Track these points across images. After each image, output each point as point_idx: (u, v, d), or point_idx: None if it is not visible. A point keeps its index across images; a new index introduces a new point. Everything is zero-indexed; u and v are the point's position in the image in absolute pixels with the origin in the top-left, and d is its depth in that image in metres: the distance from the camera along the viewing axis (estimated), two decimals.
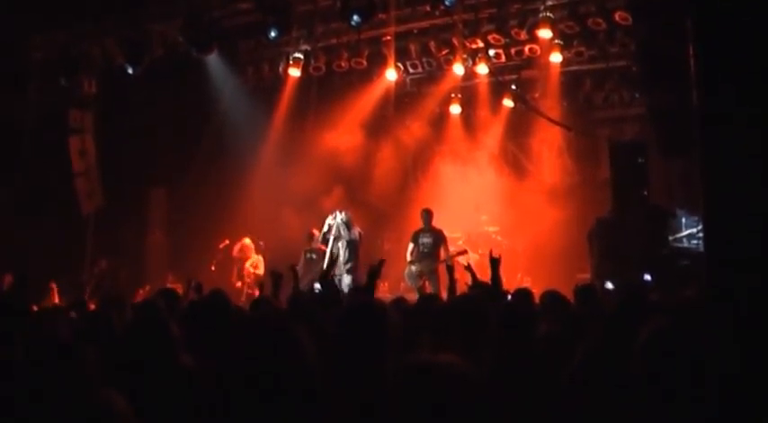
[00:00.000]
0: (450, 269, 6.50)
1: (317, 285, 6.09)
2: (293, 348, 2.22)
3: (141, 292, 12.22)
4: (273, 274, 6.46)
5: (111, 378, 2.72)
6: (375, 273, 5.32)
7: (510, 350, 3.31)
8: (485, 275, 6.20)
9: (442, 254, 11.27)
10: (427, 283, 11.23)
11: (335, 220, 11.33)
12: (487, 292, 5.12)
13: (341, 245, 11.26)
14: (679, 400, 2.10)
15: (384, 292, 12.78)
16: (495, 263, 5.70)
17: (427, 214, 11.51)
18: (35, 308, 7.25)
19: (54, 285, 10.55)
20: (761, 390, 2.13)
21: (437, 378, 1.77)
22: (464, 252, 11.18)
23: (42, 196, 12.34)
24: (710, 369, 2.11)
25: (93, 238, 13.30)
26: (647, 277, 8.75)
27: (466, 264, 7.01)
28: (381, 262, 5.66)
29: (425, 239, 11.40)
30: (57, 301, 10.26)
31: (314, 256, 11.87)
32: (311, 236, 12.03)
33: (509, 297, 5.43)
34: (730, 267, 3.01)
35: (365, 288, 5.39)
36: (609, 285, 9.06)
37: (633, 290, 5.45)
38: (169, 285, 10.60)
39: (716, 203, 3.16)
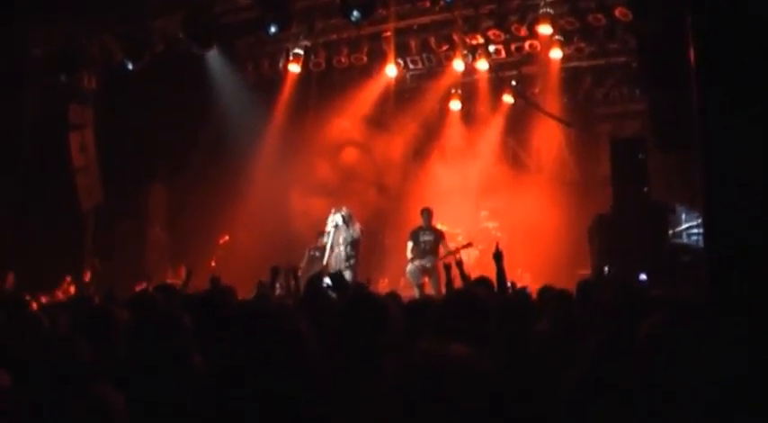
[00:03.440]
0: (448, 267, 6.51)
1: (327, 280, 6.03)
2: (295, 342, 2.23)
3: (140, 287, 12.20)
4: (272, 270, 6.49)
5: (112, 375, 2.71)
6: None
7: (508, 346, 3.30)
8: (485, 271, 6.22)
9: (442, 251, 11.26)
10: (428, 280, 11.22)
11: (335, 215, 11.34)
12: (490, 287, 5.11)
13: (341, 240, 11.25)
14: (679, 397, 2.10)
15: (384, 287, 12.79)
16: (498, 257, 5.71)
17: (428, 213, 11.50)
18: (38, 303, 7.30)
19: (69, 278, 10.66)
20: (762, 386, 2.13)
21: (447, 368, 1.75)
22: (469, 245, 11.16)
23: (42, 192, 12.34)
24: (711, 365, 2.11)
25: (93, 234, 13.30)
26: (643, 276, 8.73)
27: (456, 261, 6.98)
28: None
29: (426, 237, 11.39)
30: (71, 293, 10.36)
31: (317, 254, 11.85)
32: (322, 233, 12.00)
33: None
34: (731, 262, 3.02)
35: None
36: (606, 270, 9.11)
37: (630, 287, 5.43)
38: (169, 281, 10.60)
39: (716, 199, 3.16)
